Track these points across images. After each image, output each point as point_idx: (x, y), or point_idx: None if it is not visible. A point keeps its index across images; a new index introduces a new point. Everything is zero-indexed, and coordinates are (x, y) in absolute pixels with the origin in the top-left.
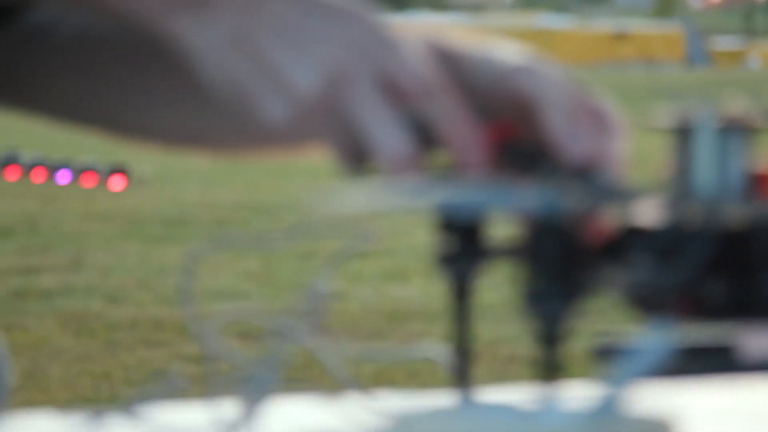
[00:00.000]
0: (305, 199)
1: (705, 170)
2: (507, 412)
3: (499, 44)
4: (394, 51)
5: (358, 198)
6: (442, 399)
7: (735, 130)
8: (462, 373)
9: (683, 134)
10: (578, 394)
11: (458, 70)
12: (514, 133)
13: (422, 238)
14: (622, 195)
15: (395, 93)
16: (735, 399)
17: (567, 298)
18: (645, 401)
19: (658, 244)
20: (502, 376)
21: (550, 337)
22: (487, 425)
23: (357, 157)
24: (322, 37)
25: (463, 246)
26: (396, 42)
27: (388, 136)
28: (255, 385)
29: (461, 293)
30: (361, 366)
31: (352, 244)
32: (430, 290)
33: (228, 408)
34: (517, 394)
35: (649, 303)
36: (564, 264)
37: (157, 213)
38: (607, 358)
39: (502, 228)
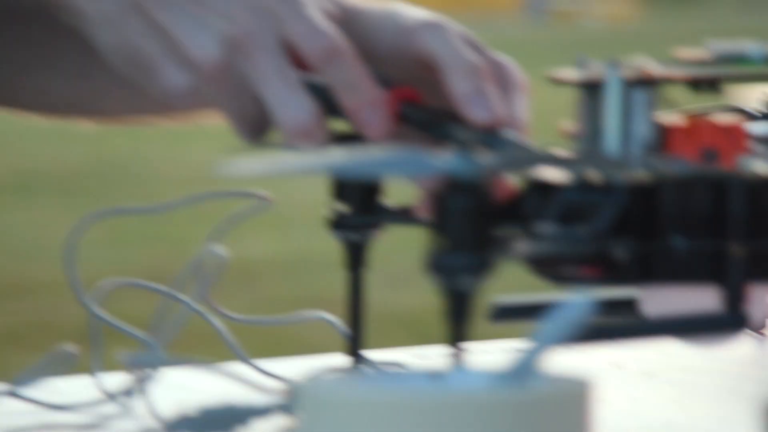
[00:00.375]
0: (207, 165)
1: (612, 126)
2: (412, 375)
3: (398, 2)
4: (298, 12)
5: (257, 163)
6: (339, 363)
7: (641, 85)
8: (356, 336)
9: (588, 90)
10: (488, 355)
11: (359, 28)
12: (417, 98)
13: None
14: (529, 154)
15: (298, 58)
16: (629, 355)
17: (472, 260)
18: (560, 360)
19: (564, 203)
20: (400, 339)
21: (458, 299)
22: (393, 388)
23: (257, 125)
24: (223, 2)
25: (359, 211)
26: (299, 3)
27: (289, 104)
28: (143, 355)
29: (356, 257)
30: (250, 332)
31: (248, 208)
32: (277, 244)
33: (117, 379)
34: (416, 357)
35: (554, 264)
36: (468, 226)
37: (2, 171)
38: (506, 317)
39: (401, 192)
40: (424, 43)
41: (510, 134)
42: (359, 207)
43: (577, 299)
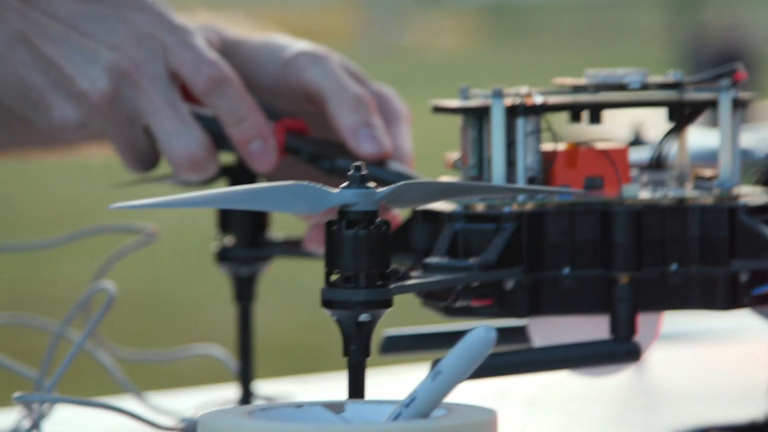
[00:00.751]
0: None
1: (497, 153)
2: (311, 407)
3: (273, 33)
4: (184, 42)
5: (145, 198)
6: (230, 395)
7: (524, 112)
8: (246, 368)
9: (473, 117)
10: (384, 386)
11: (240, 59)
12: (304, 129)
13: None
14: (420, 186)
15: (187, 91)
16: (514, 384)
17: (368, 295)
18: (464, 390)
19: (452, 234)
20: (284, 371)
21: (354, 332)
22: (294, 422)
23: (147, 157)
24: (109, 33)
25: (246, 244)
26: (186, 32)
27: (179, 136)
28: (35, 394)
29: (243, 290)
30: (139, 368)
31: (134, 242)
32: (163, 276)
33: (10, 418)
34: (306, 386)
35: (444, 296)
36: (364, 259)
37: None
38: (396, 349)
39: (287, 225)
40: (308, 75)
41: (396, 165)
42: (246, 240)
43: (481, 331)
